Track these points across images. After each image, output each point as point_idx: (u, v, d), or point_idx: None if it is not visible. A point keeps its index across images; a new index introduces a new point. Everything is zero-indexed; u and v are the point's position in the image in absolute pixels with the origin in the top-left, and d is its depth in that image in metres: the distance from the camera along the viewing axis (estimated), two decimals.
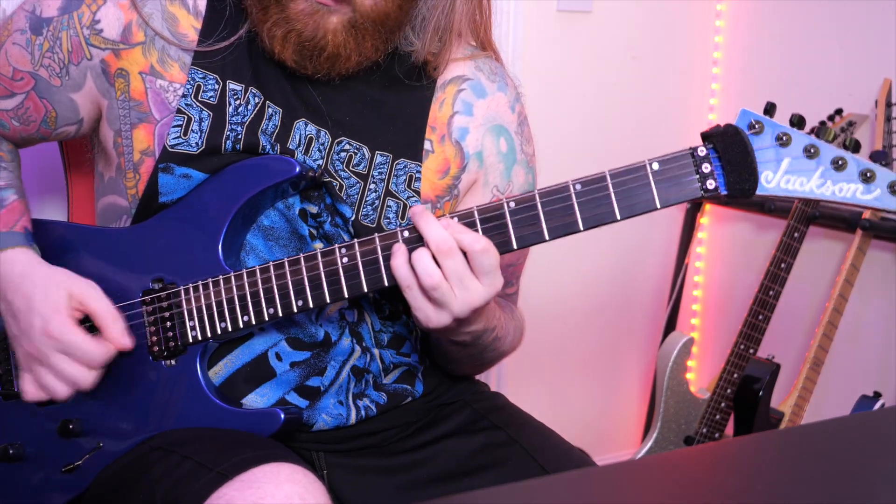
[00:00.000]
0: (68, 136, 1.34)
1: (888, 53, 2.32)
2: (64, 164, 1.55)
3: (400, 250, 1.14)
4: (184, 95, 1.24)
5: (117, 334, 1.20)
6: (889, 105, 2.27)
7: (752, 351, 2.35)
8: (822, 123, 2.32)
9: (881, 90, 2.29)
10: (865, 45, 2.40)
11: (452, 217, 1.15)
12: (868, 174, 1.09)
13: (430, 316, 1.14)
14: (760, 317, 2.33)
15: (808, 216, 2.29)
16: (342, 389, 1.29)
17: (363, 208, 1.28)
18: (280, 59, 1.23)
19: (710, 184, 1.11)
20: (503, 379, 2.51)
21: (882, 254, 2.39)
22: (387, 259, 1.15)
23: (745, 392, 2.27)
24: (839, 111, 2.34)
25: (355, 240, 1.17)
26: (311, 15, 1.20)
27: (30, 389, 1.22)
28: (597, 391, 2.79)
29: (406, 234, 1.15)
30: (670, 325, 2.74)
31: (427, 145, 1.32)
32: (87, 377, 1.19)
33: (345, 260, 1.17)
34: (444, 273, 1.12)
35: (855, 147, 1.10)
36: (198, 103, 1.24)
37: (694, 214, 2.74)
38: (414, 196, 1.31)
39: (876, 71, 2.34)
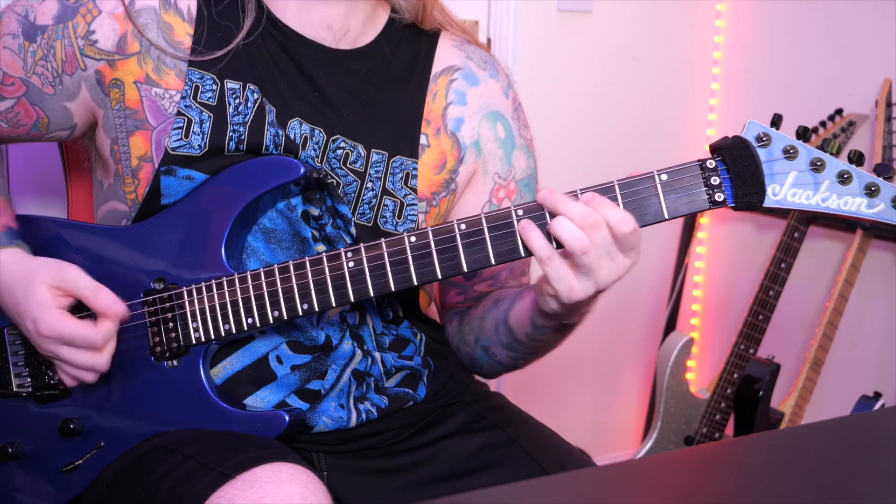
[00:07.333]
0: (60, 139, 1.34)
1: (888, 53, 2.32)
2: (64, 166, 1.54)
3: (530, 224, 1.10)
4: (182, 98, 1.24)
5: (105, 306, 1.18)
6: (889, 105, 2.27)
7: (752, 351, 2.35)
8: (822, 124, 2.33)
9: (881, 90, 2.29)
10: (865, 45, 2.39)
11: (578, 192, 1.10)
12: (872, 188, 1.09)
13: (573, 286, 1.10)
14: (760, 317, 2.33)
15: (808, 216, 2.29)
16: (343, 393, 1.29)
17: (360, 207, 1.28)
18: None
19: (719, 196, 1.10)
20: (503, 379, 2.50)
21: (882, 254, 2.39)
22: (394, 264, 1.15)
23: (745, 392, 2.26)
24: (839, 111, 2.34)
25: (361, 244, 1.17)
26: None
27: (65, 378, 1.25)
28: (597, 391, 2.79)
29: (521, 212, 1.12)
30: (670, 325, 2.74)
31: (423, 139, 1.32)
32: (98, 359, 1.20)
33: (351, 264, 1.17)
34: (593, 243, 1.07)
35: (859, 160, 1.09)
36: (197, 104, 1.24)
37: (694, 214, 2.74)
38: (411, 194, 1.30)
39: (876, 71, 2.34)
